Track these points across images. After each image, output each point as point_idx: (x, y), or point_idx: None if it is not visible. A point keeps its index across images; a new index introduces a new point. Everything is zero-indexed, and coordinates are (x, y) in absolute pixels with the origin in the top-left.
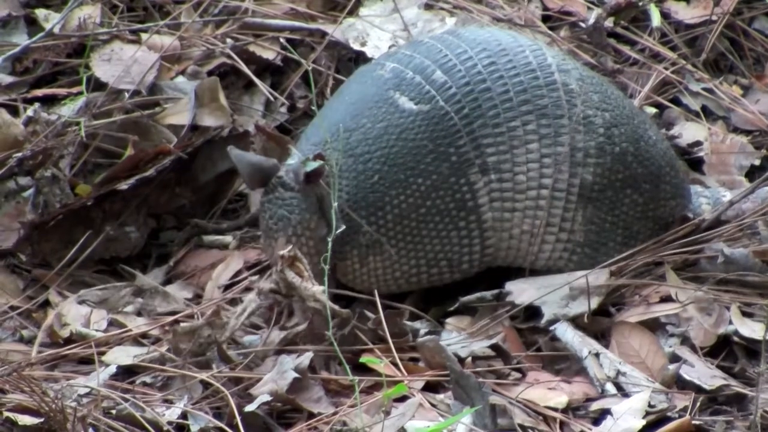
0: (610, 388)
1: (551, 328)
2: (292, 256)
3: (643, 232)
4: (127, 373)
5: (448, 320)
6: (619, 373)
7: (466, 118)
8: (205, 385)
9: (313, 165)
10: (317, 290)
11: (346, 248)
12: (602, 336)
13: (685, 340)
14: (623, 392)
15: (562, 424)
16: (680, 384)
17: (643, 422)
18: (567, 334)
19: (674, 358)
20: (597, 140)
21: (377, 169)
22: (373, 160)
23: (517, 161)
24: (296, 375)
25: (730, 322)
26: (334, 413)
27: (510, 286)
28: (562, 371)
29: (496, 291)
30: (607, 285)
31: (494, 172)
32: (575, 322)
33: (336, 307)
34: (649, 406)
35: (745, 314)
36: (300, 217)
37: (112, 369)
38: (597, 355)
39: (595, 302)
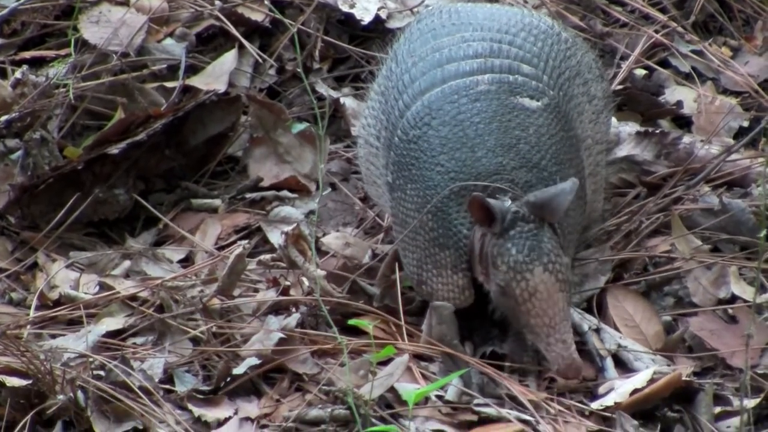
0: (609, 364)
1: None
2: (296, 234)
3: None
4: (116, 334)
5: None
6: (620, 346)
7: (564, 99)
8: (195, 344)
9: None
10: (317, 275)
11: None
12: (600, 303)
13: (680, 301)
14: (624, 366)
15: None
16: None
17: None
18: None
19: (668, 325)
20: (599, 83)
21: (556, 170)
22: (550, 164)
23: (584, 128)
24: (282, 335)
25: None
26: (320, 372)
27: None
28: None
29: None
30: (611, 259)
31: (582, 146)
32: None
33: (333, 290)
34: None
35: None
36: (551, 245)
37: (101, 330)
38: (597, 330)
39: (605, 280)
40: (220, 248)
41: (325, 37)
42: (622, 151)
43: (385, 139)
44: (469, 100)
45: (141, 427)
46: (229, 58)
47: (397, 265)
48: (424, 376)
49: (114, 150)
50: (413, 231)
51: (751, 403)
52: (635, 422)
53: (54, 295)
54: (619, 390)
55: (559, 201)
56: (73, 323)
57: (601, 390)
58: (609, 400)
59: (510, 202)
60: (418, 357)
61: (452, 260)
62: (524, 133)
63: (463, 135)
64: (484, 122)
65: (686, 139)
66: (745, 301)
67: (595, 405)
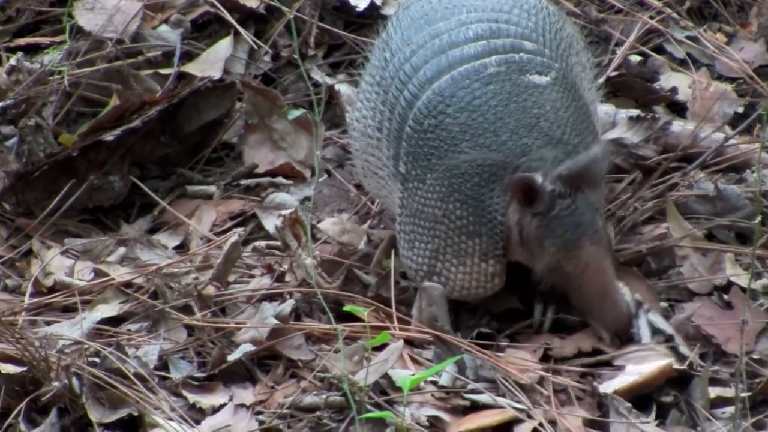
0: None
1: None
2: (293, 218)
3: None
4: (111, 320)
5: None
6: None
7: (567, 70)
8: (189, 331)
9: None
10: (308, 263)
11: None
12: None
13: (673, 287)
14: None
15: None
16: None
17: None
18: None
19: (664, 311)
20: (586, 52)
21: (578, 141)
22: (572, 137)
23: (587, 95)
24: (276, 322)
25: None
26: (315, 359)
27: None
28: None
29: None
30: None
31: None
32: None
33: (323, 280)
34: None
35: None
36: (589, 215)
37: (96, 317)
38: None
39: None
40: (216, 235)
41: (320, 24)
42: (612, 134)
43: (391, 130)
44: (482, 84)
45: (136, 414)
46: (224, 45)
47: (393, 252)
48: (418, 362)
49: (109, 137)
50: (431, 221)
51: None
52: (628, 404)
53: (49, 281)
54: (620, 378)
55: (596, 168)
56: (68, 310)
57: (603, 378)
58: (608, 387)
59: (542, 179)
60: (410, 343)
61: (483, 248)
62: (542, 111)
63: (483, 120)
64: (501, 105)
65: (677, 123)
66: (741, 287)
67: (602, 388)
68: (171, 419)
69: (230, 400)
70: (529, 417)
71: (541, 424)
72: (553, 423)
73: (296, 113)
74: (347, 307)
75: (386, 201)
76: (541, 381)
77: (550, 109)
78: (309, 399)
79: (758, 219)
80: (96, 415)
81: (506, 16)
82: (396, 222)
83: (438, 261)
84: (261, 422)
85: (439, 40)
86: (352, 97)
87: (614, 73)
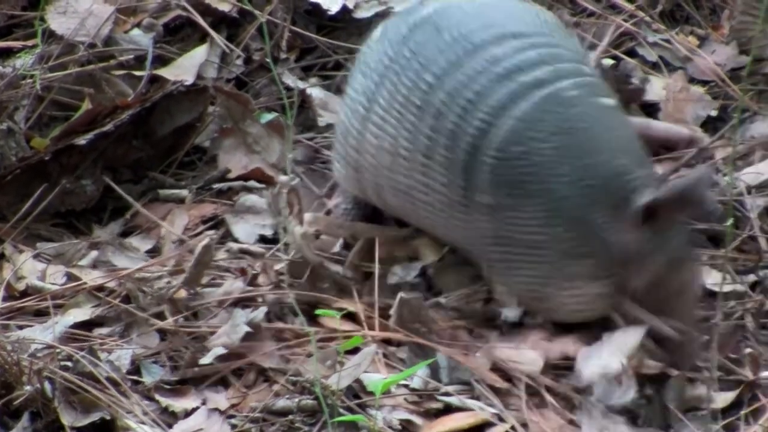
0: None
1: None
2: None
3: None
4: (83, 325)
5: None
6: None
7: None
8: (162, 335)
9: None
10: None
11: None
12: None
13: None
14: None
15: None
16: None
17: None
18: None
19: None
20: None
21: (648, 161)
22: (647, 158)
23: None
24: (248, 329)
25: None
26: (287, 363)
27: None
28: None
29: None
30: None
31: None
32: None
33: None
34: None
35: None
36: (689, 240)
37: (68, 321)
38: None
39: None
40: (188, 239)
41: (293, 27)
42: None
43: (454, 160)
44: (566, 108)
45: (108, 418)
46: (200, 51)
47: (377, 255)
48: (390, 365)
49: (81, 141)
50: (533, 247)
51: (725, 395)
52: (602, 405)
53: (21, 286)
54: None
55: (704, 193)
56: (40, 314)
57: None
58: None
59: (658, 200)
60: (386, 342)
61: (591, 269)
62: (624, 132)
63: (576, 142)
64: (590, 126)
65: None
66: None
67: (572, 382)
68: (143, 423)
69: (203, 403)
70: (501, 420)
71: (513, 427)
72: (525, 426)
73: (269, 117)
74: (319, 311)
75: (425, 222)
76: (515, 383)
77: (627, 130)
78: (281, 403)
79: (730, 221)
80: (68, 419)
81: (554, 39)
82: (483, 251)
83: (547, 287)
84: (233, 426)
85: (500, 67)
86: (325, 100)
87: None
